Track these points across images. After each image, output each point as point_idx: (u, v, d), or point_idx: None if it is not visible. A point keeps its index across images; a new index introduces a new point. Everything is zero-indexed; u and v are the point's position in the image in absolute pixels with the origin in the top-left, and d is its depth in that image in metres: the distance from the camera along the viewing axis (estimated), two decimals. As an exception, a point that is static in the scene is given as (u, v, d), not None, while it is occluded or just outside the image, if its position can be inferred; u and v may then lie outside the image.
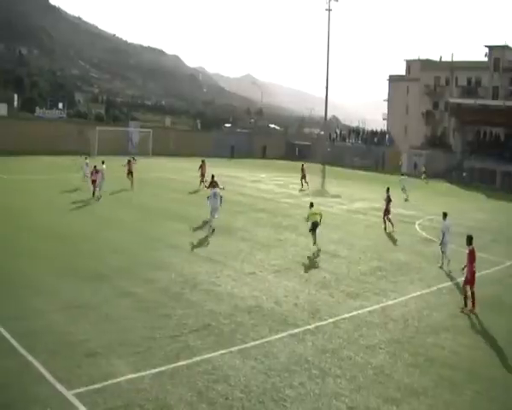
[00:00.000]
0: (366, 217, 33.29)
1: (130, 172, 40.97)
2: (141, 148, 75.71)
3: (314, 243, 24.40)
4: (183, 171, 55.93)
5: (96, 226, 26.56)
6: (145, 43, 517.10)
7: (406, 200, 43.82)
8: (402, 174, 51.92)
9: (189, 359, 12.55)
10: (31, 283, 17.23)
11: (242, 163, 75.66)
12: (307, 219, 25.32)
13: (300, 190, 46.56)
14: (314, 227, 24.49)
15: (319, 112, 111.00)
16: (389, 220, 30.59)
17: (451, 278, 21.08)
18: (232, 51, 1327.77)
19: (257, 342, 13.77)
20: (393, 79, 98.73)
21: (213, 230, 26.63)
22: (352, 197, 44.35)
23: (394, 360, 13.39)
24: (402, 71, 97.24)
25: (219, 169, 64.15)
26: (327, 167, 69.96)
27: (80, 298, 16.04)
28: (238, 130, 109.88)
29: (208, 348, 13.17)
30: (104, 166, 36.93)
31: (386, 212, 30.61)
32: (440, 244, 22.75)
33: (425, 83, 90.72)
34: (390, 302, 17.75)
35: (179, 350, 12.96)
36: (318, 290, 18.45)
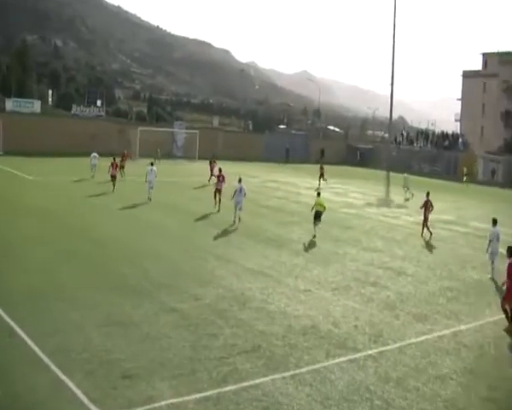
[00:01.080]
0: (435, 230, 32.83)
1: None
2: (186, 150, 76.70)
3: (314, 236, 29.07)
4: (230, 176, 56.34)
5: (136, 232, 27.13)
6: (191, 36, 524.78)
7: (407, 199, 47.21)
8: (405, 172, 54.57)
9: (237, 383, 12.56)
10: (66, 295, 17.58)
11: (298, 168, 75.73)
12: (312, 209, 30.51)
13: (317, 189, 47.27)
14: (316, 216, 29.81)
15: (383, 112, 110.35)
16: (427, 228, 31.50)
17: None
18: (287, 45, 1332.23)
19: (312, 367, 13.71)
20: (468, 75, 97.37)
21: (239, 219, 31.59)
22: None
23: (468, 392, 13.10)
24: (478, 66, 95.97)
25: (272, 174, 64.69)
26: (392, 174, 69.36)
27: (119, 313, 16.28)
28: (293, 131, 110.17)
29: (258, 373, 13.17)
30: (154, 167, 39.01)
31: (426, 218, 31.62)
32: (488, 253, 23.16)
33: (504, 79, 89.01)
34: (463, 327, 17.44)
35: (226, 374, 13.01)
36: (381, 311, 18.28)
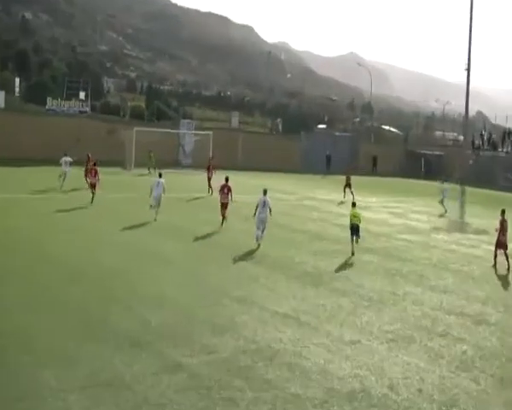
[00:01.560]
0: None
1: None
2: (196, 158, 77.05)
3: (352, 254, 31.78)
4: (249, 188, 56.51)
5: (130, 262, 27.27)
6: (204, 8, 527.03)
7: (444, 215, 50.40)
8: (442, 181, 56.09)
9: None
10: (38, 347, 17.65)
11: (342, 181, 75.73)
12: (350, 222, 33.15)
13: (340, 203, 51.46)
14: (353, 231, 32.38)
15: (456, 107, 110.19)
16: (506, 257, 31.70)
17: None
18: (327, 20, 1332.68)
19: (362, 445, 13.68)
20: None
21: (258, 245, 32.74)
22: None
23: None
24: None
25: (308, 190, 64.87)
26: (468, 189, 69.05)
27: (108, 371, 16.32)
28: (337, 133, 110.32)
29: (291, 451, 13.17)
30: (163, 179, 40.59)
31: (500, 243, 32.12)
32: None
33: None
34: None
35: (248, 452, 13.01)
36: (455, 372, 18.15)
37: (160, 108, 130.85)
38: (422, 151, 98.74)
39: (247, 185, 60.11)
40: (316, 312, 22.64)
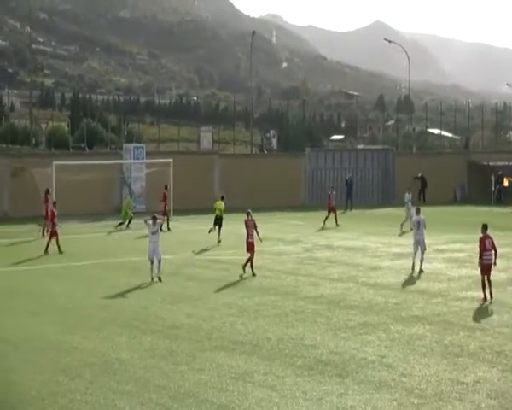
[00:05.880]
0: None
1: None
2: (151, 199, 76.74)
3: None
4: (234, 240, 56.59)
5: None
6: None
7: None
8: None
9: None
10: None
11: (371, 218, 75.66)
12: None
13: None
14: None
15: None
16: None
17: None
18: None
19: None
20: None
21: None
22: None
23: None
24: None
25: (322, 234, 64.78)
26: None
27: None
28: (360, 146, 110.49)
29: None
30: (160, 220, 45.45)
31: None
32: None
33: None
34: None
35: None
36: None
37: (91, 128, 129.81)
38: (492, 163, 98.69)
39: (234, 235, 60.23)
40: (339, 420, 22.54)
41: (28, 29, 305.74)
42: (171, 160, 78.24)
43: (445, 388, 25.19)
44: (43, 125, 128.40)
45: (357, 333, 32.13)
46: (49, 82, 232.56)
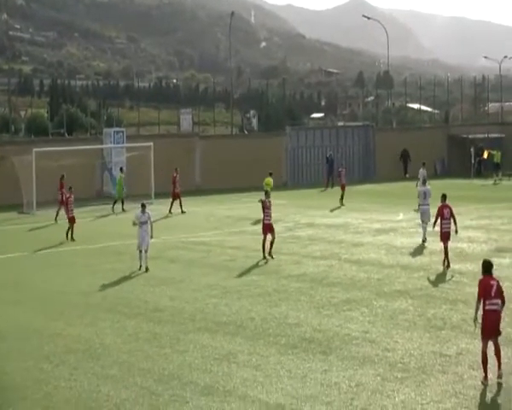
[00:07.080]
0: None
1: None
2: (132, 183, 76.32)
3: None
4: (219, 220, 56.51)
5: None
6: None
7: None
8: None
9: None
10: None
11: (354, 194, 75.65)
12: None
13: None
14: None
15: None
16: None
17: None
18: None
19: None
20: None
21: None
22: None
23: None
24: None
25: (304, 212, 64.79)
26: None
27: None
28: (341, 123, 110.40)
29: None
30: (148, 211, 43.53)
31: None
32: None
33: None
34: None
35: None
36: None
37: (71, 114, 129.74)
38: (471, 136, 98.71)
39: (214, 217, 60.22)
40: (325, 396, 22.57)
41: (5, 16, 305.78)
42: (151, 143, 77.86)
43: (428, 361, 25.33)
44: (22, 113, 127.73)
45: (341, 310, 32.23)
46: (27, 69, 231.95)
